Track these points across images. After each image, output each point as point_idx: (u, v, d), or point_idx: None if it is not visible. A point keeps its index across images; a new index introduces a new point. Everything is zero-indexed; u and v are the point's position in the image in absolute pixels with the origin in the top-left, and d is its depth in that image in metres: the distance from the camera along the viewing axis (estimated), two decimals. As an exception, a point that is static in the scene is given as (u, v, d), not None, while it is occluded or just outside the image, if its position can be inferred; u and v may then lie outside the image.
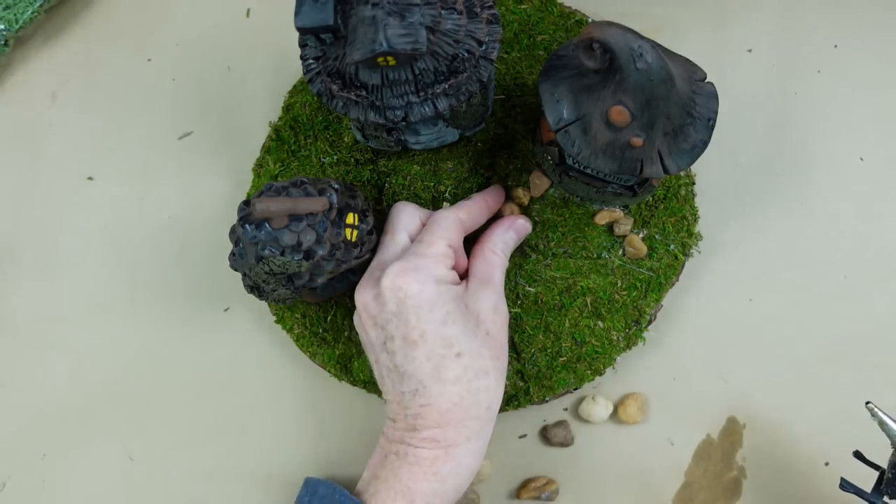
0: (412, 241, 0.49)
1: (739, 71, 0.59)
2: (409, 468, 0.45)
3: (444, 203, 0.55)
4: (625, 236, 0.55)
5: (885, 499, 0.46)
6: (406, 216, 0.50)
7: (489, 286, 0.49)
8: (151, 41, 0.64)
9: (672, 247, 0.55)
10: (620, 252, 0.55)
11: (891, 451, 0.47)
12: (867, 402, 0.47)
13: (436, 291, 0.45)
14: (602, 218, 0.55)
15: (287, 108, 0.59)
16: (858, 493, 0.46)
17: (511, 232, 0.52)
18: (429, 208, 0.54)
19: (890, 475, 0.46)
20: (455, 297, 0.46)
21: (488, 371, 0.46)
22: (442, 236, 0.48)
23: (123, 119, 0.63)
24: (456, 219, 0.49)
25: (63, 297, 0.60)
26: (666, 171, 0.45)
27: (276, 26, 0.61)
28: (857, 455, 0.48)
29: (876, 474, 0.47)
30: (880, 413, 0.46)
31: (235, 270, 0.49)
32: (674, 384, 0.56)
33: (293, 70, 0.58)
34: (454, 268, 0.49)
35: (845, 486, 0.46)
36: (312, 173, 0.57)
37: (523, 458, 0.56)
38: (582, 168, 0.49)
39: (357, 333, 0.55)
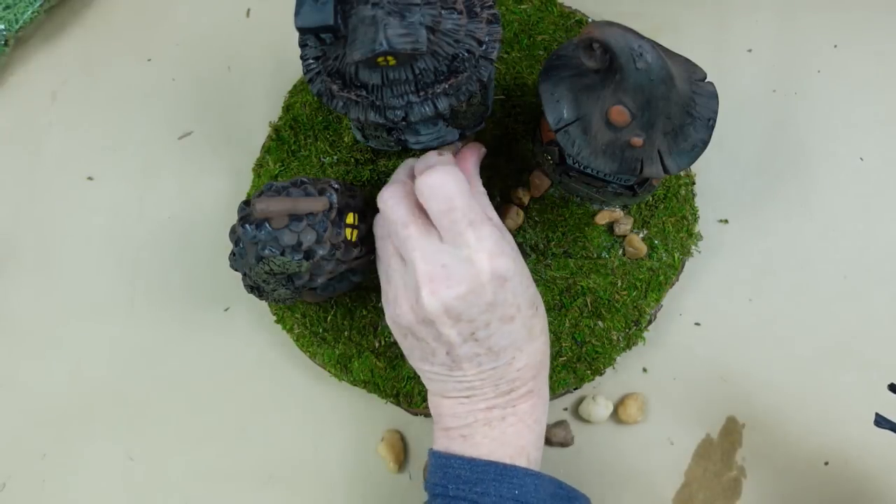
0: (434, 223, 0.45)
1: (739, 71, 0.59)
2: (513, 428, 0.46)
3: None
4: (625, 236, 0.55)
5: None
6: (403, 209, 0.45)
7: (505, 230, 0.47)
8: (151, 41, 0.64)
9: (672, 247, 0.55)
10: (620, 252, 0.55)
11: None
12: None
13: (521, 260, 0.46)
14: (602, 218, 0.55)
15: (287, 108, 0.59)
16: (894, 428, 0.45)
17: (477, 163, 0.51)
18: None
19: None
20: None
21: (540, 305, 0.47)
22: (484, 212, 0.45)
23: (123, 119, 0.63)
24: (475, 193, 0.47)
25: (63, 297, 0.60)
26: (666, 170, 0.45)
27: (276, 26, 0.61)
28: (893, 388, 0.46)
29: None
30: None
31: (235, 270, 0.49)
32: (674, 384, 0.56)
33: (293, 70, 0.58)
34: None
35: (881, 421, 0.46)
36: (312, 173, 0.57)
37: (523, 458, 0.56)
38: (582, 168, 0.49)
39: (357, 335, 0.55)
